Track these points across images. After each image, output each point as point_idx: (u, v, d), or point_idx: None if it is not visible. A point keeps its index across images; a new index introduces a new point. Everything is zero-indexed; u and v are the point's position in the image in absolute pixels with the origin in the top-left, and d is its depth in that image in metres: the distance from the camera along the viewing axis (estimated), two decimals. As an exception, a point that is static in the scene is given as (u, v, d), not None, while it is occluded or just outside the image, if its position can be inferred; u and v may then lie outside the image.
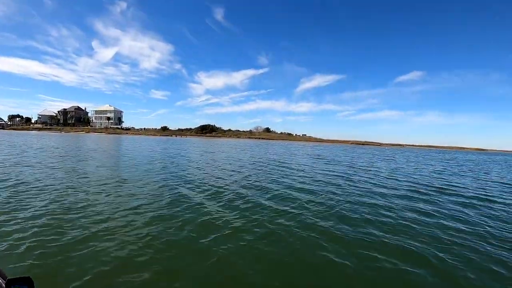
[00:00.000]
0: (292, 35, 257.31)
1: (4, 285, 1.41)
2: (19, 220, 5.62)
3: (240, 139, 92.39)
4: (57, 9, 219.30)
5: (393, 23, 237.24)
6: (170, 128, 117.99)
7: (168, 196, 8.09)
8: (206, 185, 10.00)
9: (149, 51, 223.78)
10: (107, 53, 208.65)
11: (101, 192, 8.16)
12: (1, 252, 4.29)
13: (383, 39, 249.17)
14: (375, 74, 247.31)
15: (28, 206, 6.60)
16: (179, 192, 8.62)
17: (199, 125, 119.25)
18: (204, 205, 7.23)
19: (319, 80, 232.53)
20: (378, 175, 14.88)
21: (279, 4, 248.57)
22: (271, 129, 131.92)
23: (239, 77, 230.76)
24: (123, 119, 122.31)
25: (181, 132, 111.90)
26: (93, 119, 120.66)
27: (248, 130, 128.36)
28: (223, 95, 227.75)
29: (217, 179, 11.39)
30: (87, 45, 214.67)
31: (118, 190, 8.54)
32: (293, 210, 7.10)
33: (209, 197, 8.22)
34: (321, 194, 9.15)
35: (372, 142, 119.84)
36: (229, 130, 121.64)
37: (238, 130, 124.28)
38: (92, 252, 4.39)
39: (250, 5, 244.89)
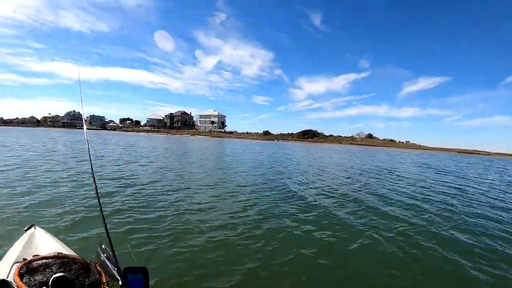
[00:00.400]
0: (392, 37, 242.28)
1: (119, 273, 1.58)
2: (138, 218, 6.05)
3: (342, 145, 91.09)
4: (161, 24, 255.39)
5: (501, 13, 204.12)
6: (272, 133, 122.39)
7: (286, 200, 8.31)
8: (328, 192, 10.14)
9: (250, 58, 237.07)
10: (210, 62, 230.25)
11: (217, 195, 8.49)
12: (120, 247, 4.22)
13: (491, 35, 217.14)
14: (482, 75, 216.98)
15: (144, 205, 7.13)
16: (298, 197, 8.84)
17: (300, 130, 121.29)
18: (332, 214, 7.23)
19: (423, 83, 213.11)
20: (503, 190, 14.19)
21: (377, 6, 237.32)
22: (373, 135, 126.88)
23: (340, 81, 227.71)
24: (226, 123, 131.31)
25: (282, 136, 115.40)
26: (198, 123, 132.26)
27: (350, 136, 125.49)
28: (325, 100, 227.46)
29: (336, 186, 11.58)
30: (191, 55, 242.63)
31: (233, 193, 8.82)
32: (425, 223, 6.96)
33: (335, 204, 8.26)
34: (449, 206, 9.00)
35: (480, 151, 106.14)
36: (331, 135, 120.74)
37: (340, 136, 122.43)
38: (209, 257, 4.48)
39: (347, 8, 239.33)
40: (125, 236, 5.08)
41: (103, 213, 2.10)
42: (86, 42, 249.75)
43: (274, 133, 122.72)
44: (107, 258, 1.70)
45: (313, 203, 8.34)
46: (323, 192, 10.14)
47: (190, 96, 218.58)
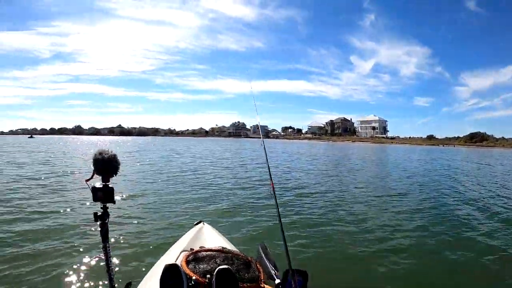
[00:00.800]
0: None
1: (276, 272, 1.72)
2: (303, 222, 6.33)
3: None
4: (311, 34, 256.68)
5: None
6: (436, 137, 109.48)
7: (452, 217, 7.37)
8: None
9: (406, 57, 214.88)
10: (366, 66, 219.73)
11: (379, 205, 8.29)
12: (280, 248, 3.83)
13: None
14: None
15: (304, 210, 7.38)
16: (461, 213, 7.71)
17: (467, 133, 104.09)
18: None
19: None
20: None
21: None
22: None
23: (509, 73, 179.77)
24: (387, 128, 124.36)
25: (448, 141, 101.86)
26: (359, 129, 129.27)
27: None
28: (493, 97, 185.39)
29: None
30: (346, 60, 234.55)
31: (396, 204, 8.47)
32: None
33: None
34: None
35: None
36: (502, 138, 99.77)
37: None
38: (375, 270, 4.32)
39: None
40: (288, 238, 5.03)
41: (280, 214, 2.00)
42: (245, 59, 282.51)
43: (439, 137, 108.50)
44: (267, 257, 1.82)
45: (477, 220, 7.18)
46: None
47: (349, 101, 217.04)
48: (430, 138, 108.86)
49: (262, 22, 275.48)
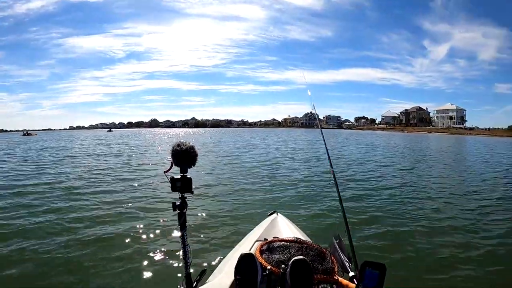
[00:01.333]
0: None
1: (350, 264, 1.70)
2: (375, 214, 6.48)
3: None
4: (380, 19, 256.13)
5: None
6: None
7: None
8: None
9: (483, 39, 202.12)
10: (440, 50, 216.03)
11: (467, 204, 7.80)
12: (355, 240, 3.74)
13: None
14: None
15: (385, 203, 7.47)
16: None
17: None
18: None
19: None
20: None
21: None
22: None
23: None
24: (466, 118, 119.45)
25: None
26: (435, 118, 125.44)
27: None
28: None
29: None
30: (419, 46, 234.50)
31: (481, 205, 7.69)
32: None
33: None
34: None
35: None
36: None
37: None
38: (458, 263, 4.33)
39: None
40: (361, 230, 5.32)
41: (343, 204, 2.13)
42: (315, 49, 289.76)
43: None
44: (341, 248, 1.79)
45: None
46: None
47: (423, 89, 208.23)
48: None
49: (329, 10, 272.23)
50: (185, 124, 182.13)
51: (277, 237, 2.07)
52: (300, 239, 1.93)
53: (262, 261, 1.59)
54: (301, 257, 1.48)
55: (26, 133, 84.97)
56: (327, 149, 2.74)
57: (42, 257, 4.33)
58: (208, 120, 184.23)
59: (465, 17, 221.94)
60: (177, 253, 4.18)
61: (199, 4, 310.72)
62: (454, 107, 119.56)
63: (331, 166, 2.54)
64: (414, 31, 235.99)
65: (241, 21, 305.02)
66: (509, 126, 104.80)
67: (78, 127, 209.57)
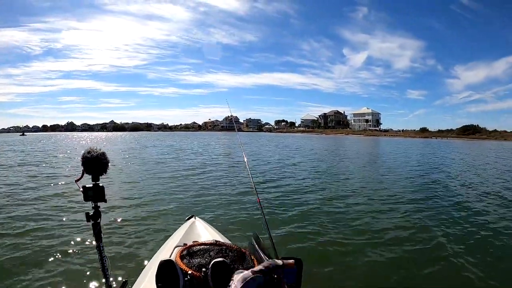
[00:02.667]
0: None
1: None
2: (290, 212, 6.66)
3: (508, 141, 72.48)
4: (304, 26, 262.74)
5: None
6: (429, 129, 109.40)
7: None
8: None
9: (399, 50, 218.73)
10: (358, 58, 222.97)
11: (371, 197, 8.44)
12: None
13: None
14: None
15: (296, 198, 7.92)
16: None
17: (460, 126, 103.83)
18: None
19: None
20: None
21: None
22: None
23: (501, 66, 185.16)
24: (381, 121, 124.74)
25: (441, 133, 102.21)
26: (352, 121, 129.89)
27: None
28: (485, 90, 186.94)
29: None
30: (339, 53, 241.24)
31: (392, 199, 8.24)
32: None
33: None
34: None
35: None
36: (495, 131, 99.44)
37: (506, 131, 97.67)
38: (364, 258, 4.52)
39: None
40: (277, 228, 5.49)
41: (261, 204, 2.18)
42: (237, 53, 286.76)
43: (432, 130, 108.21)
44: (260, 247, 1.75)
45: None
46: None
47: (341, 95, 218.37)
48: (423, 130, 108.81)
49: (254, 15, 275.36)
50: (103, 127, 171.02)
51: (197, 241, 2.02)
52: (220, 241, 1.95)
53: (183, 266, 1.58)
54: (220, 259, 1.51)
55: None
56: (243, 150, 2.94)
57: None
58: (128, 124, 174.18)
59: (384, 29, 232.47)
60: (95, 266, 3.80)
61: (122, 1, 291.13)
62: (370, 110, 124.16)
63: (256, 193, 2.36)
64: (334, 40, 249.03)
65: (165, 21, 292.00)
66: (420, 128, 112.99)
67: None
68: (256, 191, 2.32)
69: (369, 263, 4.37)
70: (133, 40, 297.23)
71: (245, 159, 2.91)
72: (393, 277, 4.02)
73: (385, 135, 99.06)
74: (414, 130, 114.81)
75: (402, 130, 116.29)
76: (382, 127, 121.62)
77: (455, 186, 10.72)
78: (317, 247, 4.84)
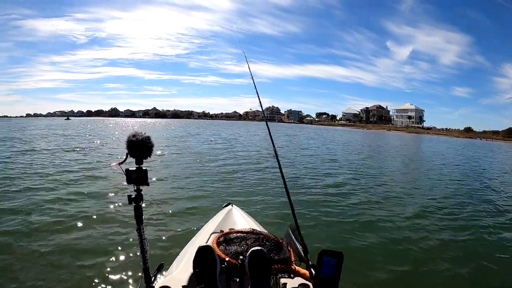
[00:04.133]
0: None
1: (306, 254, 1.66)
2: (326, 207, 6.68)
3: None
4: (347, 17, 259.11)
5: None
6: (474, 130, 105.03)
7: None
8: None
9: (445, 44, 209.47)
10: (403, 52, 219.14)
11: (414, 194, 8.63)
12: (310, 230, 4.94)
13: None
14: None
15: (332, 193, 7.91)
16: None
17: (507, 128, 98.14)
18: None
19: None
20: None
21: None
22: None
23: None
24: (424, 118, 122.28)
25: (485, 134, 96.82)
26: (394, 117, 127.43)
27: None
28: None
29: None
30: (383, 46, 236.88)
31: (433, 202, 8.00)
32: None
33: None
34: None
35: None
36: None
37: None
38: (411, 252, 4.67)
39: None
40: (315, 220, 5.59)
41: (290, 196, 2.04)
42: (280, 43, 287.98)
43: (476, 131, 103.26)
44: (297, 238, 1.74)
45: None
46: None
47: (385, 89, 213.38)
48: (468, 130, 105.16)
49: (297, 6, 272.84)
50: (145, 114, 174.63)
51: (233, 229, 2.06)
52: (256, 230, 1.98)
53: (220, 253, 1.59)
54: (258, 247, 1.52)
55: None
56: (273, 143, 2.46)
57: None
58: (169, 111, 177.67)
59: (430, 22, 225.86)
60: (134, 247, 4.08)
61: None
62: (413, 107, 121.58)
63: (278, 161, 2.25)
64: (378, 32, 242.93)
65: (208, 11, 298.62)
66: (465, 128, 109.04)
67: (36, 115, 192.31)
68: (285, 182, 2.11)
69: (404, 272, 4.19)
70: (176, 29, 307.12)
71: (274, 153, 2.60)
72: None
73: (427, 133, 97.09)
74: (458, 129, 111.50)
75: (446, 129, 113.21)
76: (425, 124, 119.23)
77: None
78: (355, 244, 4.80)
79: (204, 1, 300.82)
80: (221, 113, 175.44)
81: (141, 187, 1.60)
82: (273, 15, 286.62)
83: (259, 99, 2.97)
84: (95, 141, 21.83)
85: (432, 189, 9.75)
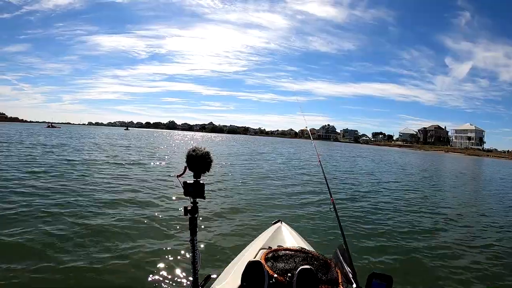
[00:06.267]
0: None
1: (354, 276, 1.67)
2: (375, 228, 6.50)
3: None
4: (402, 34, 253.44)
5: None
6: None
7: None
8: None
9: (505, 60, 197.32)
10: (462, 69, 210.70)
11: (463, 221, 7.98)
12: (358, 252, 4.74)
13: None
14: None
15: (385, 218, 7.52)
16: None
17: None
18: None
19: None
20: None
21: None
22: None
23: None
24: (484, 139, 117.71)
25: None
26: (453, 138, 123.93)
27: None
28: None
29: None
30: (440, 63, 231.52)
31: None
32: None
33: None
34: None
35: None
36: None
37: None
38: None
39: None
40: (364, 243, 5.48)
41: (339, 217, 2.23)
42: (336, 61, 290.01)
43: None
44: (345, 260, 1.76)
45: None
46: None
47: (443, 108, 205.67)
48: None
49: (352, 23, 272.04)
50: (202, 128, 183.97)
51: (281, 246, 2.12)
52: (305, 248, 1.98)
53: (268, 269, 1.61)
54: (307, 266, 1.53)
55: (51, 125, 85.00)
56: (325, 179, 2.96)
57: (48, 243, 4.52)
58: (226, 126, 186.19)
59: (489, 36, 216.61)
60: (183, 257, 4.25)
61: (222, 10, 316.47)
62: (473, 127, 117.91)
63: (331, 195, 2.63)
64: (435, 48, 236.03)
65: (263, 29, 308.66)
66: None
67: (97, 124, 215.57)
68: (332, 199, 2.31)
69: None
70: (233, 47, 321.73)
71: (328, 187, 2.85)
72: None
73: (487, 155, 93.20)
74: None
75: (508, 151, 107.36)
76: (485, 146, 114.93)
77: None
78: (405, 269, 4.63)
79: (259, 19, 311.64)
80: (277, 130, 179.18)
81: (197, 200, 1.67)
82: (328, 33, 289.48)
83: (305, 120, 3.75)
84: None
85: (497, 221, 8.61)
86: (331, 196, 2.55)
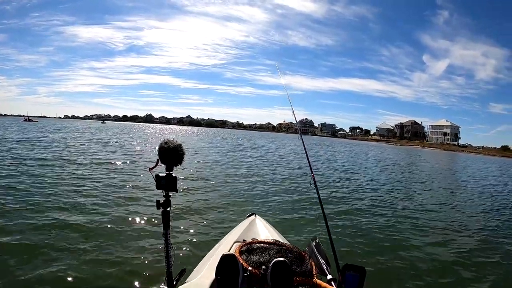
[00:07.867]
0: None
1: (328, 267, 1.71)
2: (355, 220, 6.53)
3: None
4: (383, 31, 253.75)
5: None
6: (511, 148, 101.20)
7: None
8: None
9: (483, 58, 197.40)
10: (439, 66, 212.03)
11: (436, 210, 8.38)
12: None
13: None
14: None
15: (362, 208, 7.67)
16: None
17: None
18: None
19: None
20: None
21: None
22: None
23: None
24: (460, 135, 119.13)
25: None
26: (429, 133, 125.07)
27: None
28: None
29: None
30: (418, 60, 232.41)
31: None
32: None
33: None
34: None
35: None
36: None
37: None
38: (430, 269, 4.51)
39: None
40: (338, 234, 5.31)
41: (324, 208, 2.24)
42: (315, 56, 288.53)
43: None
44: (319, 252, 1.78)
45: None
46: None
47: (420, 104, 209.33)
48: (505, 149, 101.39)
49: (332, 18, 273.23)
50: (180, 121, 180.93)
51: (256, 239, 2.10)
52: (279, 241, 1.93)
53: (242, 262, 1.58)
54: (282, 259, 1.49)
55: (28, 119, 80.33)
56: (307, 155, 2.88)
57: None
58: (204, 120, 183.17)
59: (467, 35, 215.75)
60: (158, 252, 4.12)
61: (201, 2, 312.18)
62: (449, 123, 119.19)
63: (312, 171, 2.59)
64: (414, 46, 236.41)
65: (243, 23, 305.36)
66: (502, 146, 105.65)
67: (73, 117, 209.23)
68: (313, 175, 2.35)
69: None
70: (212, 40, 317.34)
71: (309, 163, 2.87)
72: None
73: (462, 150, 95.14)
74: (495, 147, 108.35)
75: (482, 147, 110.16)
76: (461, 141, 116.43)
77: None
78: (378, 261, 4.59)
79: (238, 12, 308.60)
80: (255, 124, 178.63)
81: (170, 193, 1.65)
82: (307, 27, 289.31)
83: (294, 114, 3.58)
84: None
85: (469, 210, 8.96)
86: (312, 172, 2.60)
